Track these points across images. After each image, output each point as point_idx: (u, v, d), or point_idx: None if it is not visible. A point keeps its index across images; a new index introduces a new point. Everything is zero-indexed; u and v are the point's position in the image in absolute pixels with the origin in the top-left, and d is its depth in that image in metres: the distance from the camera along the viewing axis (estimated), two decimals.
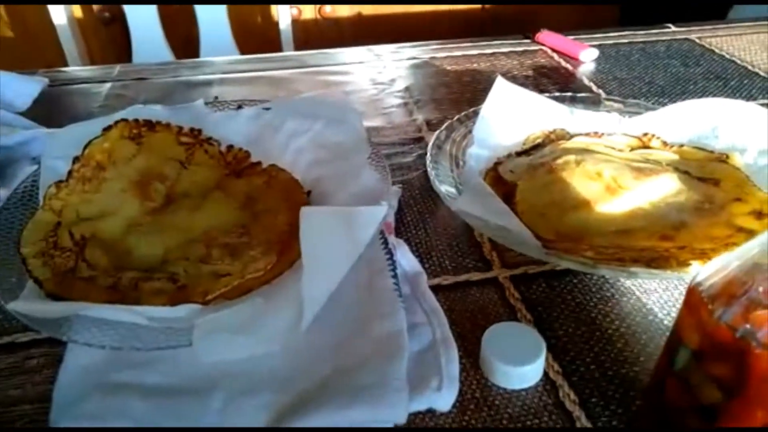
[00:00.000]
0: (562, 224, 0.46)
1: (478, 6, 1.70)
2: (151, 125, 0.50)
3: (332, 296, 0.37)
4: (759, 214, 0.44)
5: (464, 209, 0.44)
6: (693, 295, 0.28)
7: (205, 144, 0.50)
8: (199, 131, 0.51)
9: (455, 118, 0.58)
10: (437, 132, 0.55)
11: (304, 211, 0.39)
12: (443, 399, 0.34)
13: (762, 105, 0.70)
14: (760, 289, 0.25)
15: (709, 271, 0.28)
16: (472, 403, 0.36)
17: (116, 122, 0.49)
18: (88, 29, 1.44)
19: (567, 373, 0.37)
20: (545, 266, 0.45)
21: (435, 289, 0.43)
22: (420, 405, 0.34)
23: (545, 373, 0.37)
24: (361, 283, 0.40)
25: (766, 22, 0.92)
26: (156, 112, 0.54)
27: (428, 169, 0.50)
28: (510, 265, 0.46)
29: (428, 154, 0.52)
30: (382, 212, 0.41)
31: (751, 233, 0.42)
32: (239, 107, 0.57)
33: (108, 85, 0.77)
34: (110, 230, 0.44)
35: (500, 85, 0.59)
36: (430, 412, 0.35)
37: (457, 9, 1.69)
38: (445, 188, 0.48)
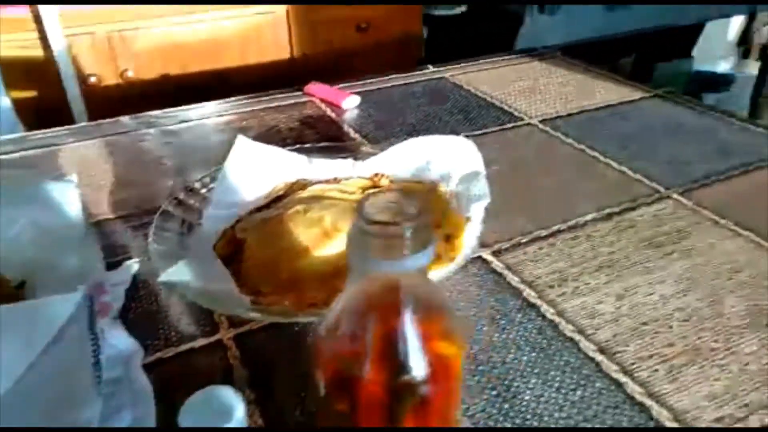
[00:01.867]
0: (286, 273, 0.48)
1: (287, 57, 1.76)
2: None
3: (20, 391, 0.35)
4: (448, 238, 0.49)
5: (170, 280, 0.44)
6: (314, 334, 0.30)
7: None
8: None
9: (185, 186, 0.58)
10: (168, 199, 0.55)
11: None
12: None
13: (494, 132, 0.79)
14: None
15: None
16: None
17: None
18: None
19: (273, 425, 0.38)
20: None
21: (156, 363, 0.43)
22: None
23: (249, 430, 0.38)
24: (55, 375, 0.38)
25: (507, 57, 1.05)
26: None
27: (149, 241, 0.49)
28: (236, 324, 0.46)
29: (153, 225, 0.51)
30: (74, 300, 0.40)
31: (438, 258, 0.46)
32: None
33: None
34: None
35: (240, 143, 0.61)
36: None
37: (267, 61, 1.74)
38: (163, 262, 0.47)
